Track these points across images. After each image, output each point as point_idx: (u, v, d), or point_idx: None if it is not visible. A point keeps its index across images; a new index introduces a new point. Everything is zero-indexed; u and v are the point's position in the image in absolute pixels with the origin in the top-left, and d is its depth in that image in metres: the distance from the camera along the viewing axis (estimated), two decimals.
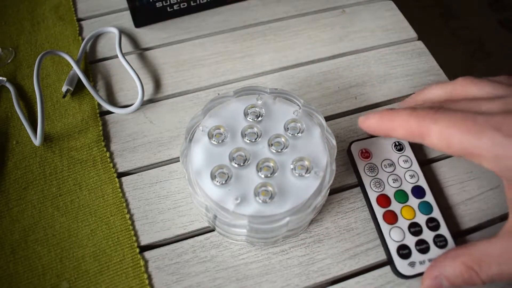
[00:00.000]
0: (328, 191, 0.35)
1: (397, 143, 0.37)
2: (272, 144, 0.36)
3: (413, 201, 0.36)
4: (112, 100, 0.47)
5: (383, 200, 0.36)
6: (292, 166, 0.35)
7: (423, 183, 0.37)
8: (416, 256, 0.35)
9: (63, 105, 0.46)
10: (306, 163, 0.35)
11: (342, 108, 0.46)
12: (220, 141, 0.36)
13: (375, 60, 0.51)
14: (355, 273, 0.37)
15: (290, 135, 0.36)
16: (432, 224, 0.35)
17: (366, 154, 0.37)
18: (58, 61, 0.50)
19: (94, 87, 0.48)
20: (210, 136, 0.36)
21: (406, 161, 0.37)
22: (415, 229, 0.35)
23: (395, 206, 0.35)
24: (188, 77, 0.49)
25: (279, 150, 0.35)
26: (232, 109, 0.38)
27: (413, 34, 0.53)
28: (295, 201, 0.33)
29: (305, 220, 0.36)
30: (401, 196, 0.36)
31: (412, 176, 0.36)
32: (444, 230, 0.35)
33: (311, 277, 0.36)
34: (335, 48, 0.52)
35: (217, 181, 0.34)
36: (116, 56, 0.50)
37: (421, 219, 0.35)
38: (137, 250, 0.37)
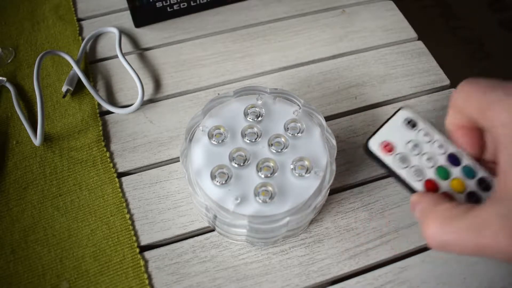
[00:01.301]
0: (328, 191, 0.35)
1: (408, 120, 0.33)
2: (272, 144, 0.36)
3: (456, 171, 0.32)
4: (112, 100, 0.47)
5: (431, 185, 0.32)
6: (292, 166, 0.35)
7: (452, 148, 0.33)
8: None
9: (63, 105, 0.46)
10: (306, 163, 0.35)
11: (342, 108, 0.46)
12: (220, 141, 0.36)
13: (375, 60, 0.51)
14: (355, 273, 0.37)
15: (290, 135, 0.36)
16: (484, 185, 0.32)
17: (388, 146, 0.32)
18: (58, 61, 0.50)
19: (94, 87, 0.48)
20: (210, 136, 0.36)
21: (426, 134, 0.33)
22: (473, 198, 0.32)
23: (444, 185, 0.32)
24: (188, 77, 0.49)
25: (279, 150, 0.35)
26: (232, 109, 0.38)
27: (413, 34, 0.53)
28: (295, 201, 0.33)
29: (305, 220, 0.36)
30: (443, 172, 0.32)
31: (440, 146, 0.33)
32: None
33: (311, 277, 0.36)
34: (335, 48, 0.52)
35: (217, 181, 0.34)
36: (116, 56, 0.50)
37: (472, 185, 0.32)
38: (137, 250, 0.37)
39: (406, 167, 0.32)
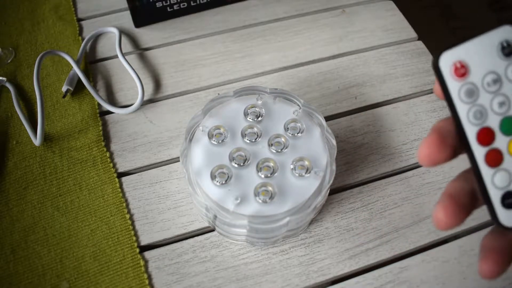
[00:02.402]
0: (328, 191, 0.35)
1: (505, 44, 0.26)
2: (272, 144, 0.36)
3: None
4: (112, 100, 0.47)
5: (486, 135, 0.26)
6: (292, 166, 0.35)
7: None
8: None
9: (63, 105, 0.46)
10: (306, 163, 0.35)
11: (342, 108, 0.46)
12: (220, 141, 0.36)
13: (375, 60, 0.51)
14: (355, 273, 0.37)
15: (290, 135, 0.36)
16: None
17: (462, 69, 0.26)
18: (58, 61, 0.50)
19: (94, 87, 0.48)
20: (210, 136, 0.36)
21: None
22: None
23: (501, 140, 0.26)
24: (188, 77, 0.49)
25: (279, 150, 0.35)
26: (232, 109, 0.38)
27: (413, 34, 0.53)
28: (295, 201, 0.33)
29: (305, 220, 0.36)
30: (510, 125, 0.26)
31: None
32: None
33: (311, 277, 0.36)
34: (335, 48, 0.52)
35: (217, 181, 0.34)
36: (116, 56, 0.50)
37: None
38: (137, 250, 0.37)
39: (470, 103, 0.26)
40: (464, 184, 0.26)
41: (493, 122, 0.26)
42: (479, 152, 0.26)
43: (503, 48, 0.25)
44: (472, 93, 0.25)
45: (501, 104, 0.26)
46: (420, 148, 0.25)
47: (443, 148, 0.25)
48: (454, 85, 0.25)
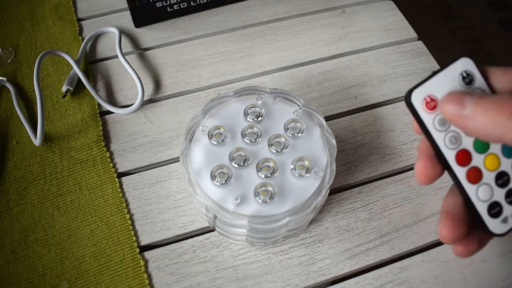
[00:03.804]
0: (328, 191, 0.35)
1: (464, 74, 0.28)
2: (272, 144, 0.36)
3: (495, 146, 0.29)
4: (112, 100, 0.47)
5: (463, 156, 0.29)
6: (292, 166, 0.35)
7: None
8: (507, 209, 0.30)
9: (63, 105, 0.46)
10: (306, 163, 0.35)
11: (342, 108, 0.46)
12: (220, 141, 0.36)
13: (375, 60, 0.51)
14: (355, 273, 0.37)
15: (290, 135, 0.36)
16: None
17: (432, 103, 0.28)
18: (58, 61, 0.50)
19: (94, 87, 0.48)
20: (210, 136, 0.36)
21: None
22: (502, 179, 0.30)
23: (477, 159, 0.29)
24: (188, 77, 0.49)
25: (279, 150, 0.35)
26: (232, 109, 0.38)
27: (413, 34, 0.53)
28: (295, 201, 0.33)
29: (305, 220, 0.36)
30: (481, 144, 0.29)
31: None
32: None
33: (311, 277, 0.36)
34: (335, 48, 0.52)
35: (217, 181, 0.34)
36: (116, 56, 0.50)
37: (507, 164, 0.30)
38: (137, 250, 0.37)
39: (444, 131, 0.28)
40: (456, 198, 0.29)
41: (468, 144, 0.29)
42: (460, 172, 0.29)
43: (463, 78, 0.28)
44: (445, 122, 0.28)
45: None
46: (416, 171, 0.28)
47: (435, 166, 0.28)
48: (427, 118, 0.28)
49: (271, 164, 0.35)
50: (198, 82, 0.48)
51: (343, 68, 0.50)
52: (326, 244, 0.38)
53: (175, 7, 0.53)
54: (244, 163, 0.35)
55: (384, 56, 0.51)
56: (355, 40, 0.52)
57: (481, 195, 0.29)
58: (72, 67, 0.48)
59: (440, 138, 0.28)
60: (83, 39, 0.52)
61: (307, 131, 0.37)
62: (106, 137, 0.44)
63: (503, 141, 0.25)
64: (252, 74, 0.49)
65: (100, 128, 0.44)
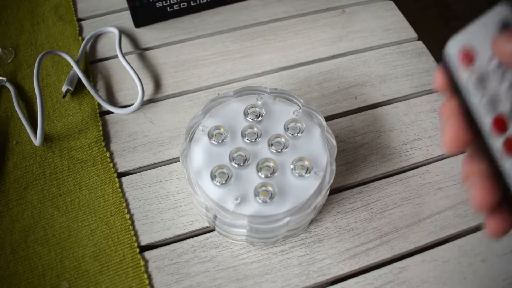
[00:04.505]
0: (328, 191, 0.35)
1: (504, 23, 0.23)
2: (272, 144, 0.36)
3: None
4: (112, 100, 0.47)
5: (500, 123, 0.23)
6: (292, 166, 0.35)
7: None
8: None
9: (63, 105, 0.46)
10: (306, 163, 0.35)
11: (342, 108, 0.46)
12: (220, 141, 0.36)
13: (375, 60, 0.51)
14: (355, 273, 0.37)
15: (290, 135, 0.36)
16: None
17: (468, 56, 0.23)
18: (58, 61, 0.50)
19: (94, 87, 0.48)
20: (210, 136, 0.36)
21: None
22: None
23: None
24: (188, 77, 0.49)
25: (279, 150, 0.35)
26: (232, 109, 0.38)
27: (413, 34, 0.53)
28: (295, 201, 0.33)
29: (305, 220, 0.36)
30: None
31: None
32: None
33: (311, 277, 0.36)
34: (335, 48, 0.52)
35: (217, 181, 0.34)
36: (116, 56, 0.50)
37: None
38: (137, 250, 0.37)
39: (482, 93, 0.23)
40: (481, 163, 0.23)
41: (506, 107, 0.23)
42: (496, 141, 0.23)
43: (503, 27, 0.23)
44: (482, 81, 0.23)
45: (510, 87, 0.23)
46: (446, 135, 0.23)
47: (467, 129, 0.23)
48: (462, 74, 0.23)
49: (271, 164, 0.35)
50: (198, 82, 0.48)
51: (343, 68, 0.50)
52: (326, 244, 0.38)
53: (175, 7, 0.53)
54: (244, 163, 0.35)
55: (384, 56, 0.51)
56: (355, 40, 0.52)
57: None
58: (72, 67, 0.48)
59: (475, 101, 0.23)
60: (83, 39, 0.52)
61: (307, 131, 0.37)
62: (106, 137, 0.44)
63: None
64: (252, 74, 0.49)
65: (100, 128, 0.44)
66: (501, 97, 0.23)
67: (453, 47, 0.24)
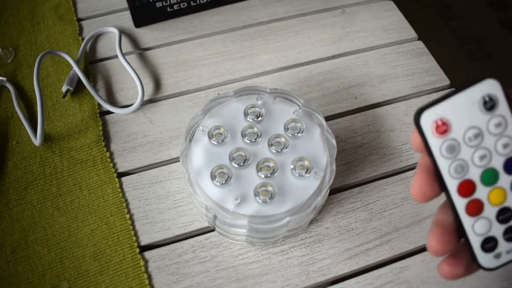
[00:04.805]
0: (328, 191, 0.35)
1: (487, 98, 0.25)
2: (272, 144, 0.36)
3: (505, 180, 0.27)
4: (112, 100, 0.47)
5: (467, 187, 0.27)
6: (292, 166, 0.35)
7: None
8: (503, 246, 0.28)
9: (63, 105, 0.46)
10: (306, 163, 0.35)
11: (342, 108, 0.46)
12: (220, 141, 0.36)
13: (375, 60, 0.51)
14: (355, 273, 0.37)
15: (290, 135, 0.36)
16: None
17: (443, 126, 0.26)
18: (58, 61, 0.50)
19: (94, 87, 0.48)
20: (210, 136, 0.36)
21: (499, 124, 0.26)
22: (504, 215, 0.27)
23: (481, 191, 0.27)
24: (188, 77, 0.49)
25: (279, 150, 0.35)
26: (232, 109, 0.38)
27: (413, 34, 0.53)
28: (295, 201, 0.33)
29: (305, 220, 0.36)
30: (490, 176, 0.27)
31: (505, 146, 0.26)
32: None
33: (311, 277, 0.36)
34: (335, 48, 0.52)
35: (217, 181, 0.34)
36: (116, 56, 0.50)
37: None
38: (137, 250, 0.37)
39: (451, 158, 0.26)
40: (450, 212, 0.27)
41: (474, 175, 0.26)
42: (460, 202, 0.27)
43: (485, 103, 0.25)
44: (453, 149, 0.26)
45: (482, 157, 0.26)
46: (412, 187, 0.26)
47: (433, 184, 0.26)
48: (434, 142, 0.26)
49: (271, 164, 0.35)
50: (198, 82, 0.48)
51: (343, 68, 0.50)
52: (326, 244, 0.38)
53: (175, 7, 0.53)
54: (244, 163, 0.35)
55: (384, 56, 0.51)
56: (355, 40, 0.52)
57: (477, 229, 0.28)
58: (72, 67, 0.48)
59: (445, 166, 0.26)
60: (83, 39, 0.52)
61: (307, 131, 0.37)
62: (106, 137, 0.44)
63: None
64: (252, 74, 0.49)
65: (100, 128, 0.44)
66: (470, 166, 0.26)
67: (429, 117, 0.25)
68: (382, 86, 0.48)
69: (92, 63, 0.50)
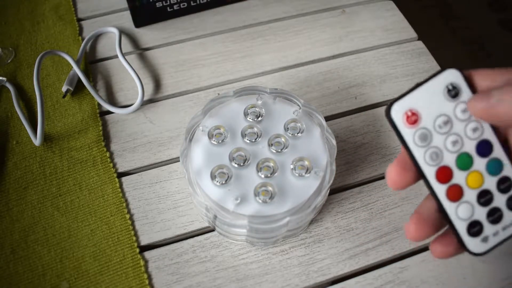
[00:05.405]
0: (328, 191, 0.35)
1: (450, 87, 0.27)
2: (272, 144, 0.36)
3: (480, 163, 0.28)
4: (112, 100, 0.47)
5: (444, 173, 0.28)
6: (292, 166, 0.35)
7: (488, 134, 0.28)
8: (488, 229, 0.29)
9: (63, 105, 0.46)
10: (306, 163, 0.35)
11: (342, 108, 0.46)
12: (220, 141, 0.36)
13: (375, 60, 0.51)
14: (355, 273, 0.37)
15: (290, 135, 0.36)
16: (504, 185, 0.29)
17: (413, 117, 0.27)
18: (58, 61, 0.50)
19: (94, 87, 0.48)
20: (210, 136, 0.36)
21: (465, 110, 0.28)
22: (485, 198, 0.29)
23: (459, 176, 0.28)
24: (188, 77, 0.49)
25: (279, 150, 0.35)
26: (232, 109, 0.38)
27: (413, 34, 0.53)
28: (295, 201, 0.33)
29: (305, 220, 0.36)
30: (465, 161, 0.28)
31: (475, 130, 0.28)
32: None
33: (311, 277, 0.36)
34: (335, 48, 0.52)
35: (217, 181, 0.34)
36: (116, 56, 0.50)
37: (491, 183, 0.29)
38: (137, 250, 0.37)
39: (424, 146, 0.28)
40: (432, 203, 0.29)
41: (449, 161, 0.28)
42: (440, 189, 0.28)
43: (449, 91, 0.27)
44: (425, 137, 0.27)
45: (454, 143, 0.28)
46: (386, 175, 0.28)
47: (405, 175, 0.28)
48: (407, 133, 0.27)
49: (271, 164, 0.35)
50: (198, 82, 0.48)
51: (343, 68, 0.50)
52: (326, 244, 0.38)
53: (175, 7, 0.53)
54: (244, 163, 0.35)
55: (384, 56, 0.51)
56: (355, 40, 0.52)
57: (461, 214, 0.29)
58: (72, 67, 0.48)
59: (420, 154, 0.28)
60: (83, 39, 0.52)
61: (307, 131, 0.37)
62: (106, 137, 0.44)
63: None
64: (252, 74, 0.49)
65: (100, 128, 0.44)
66: (444, 152, 0.27)
67: (398, 109, 0.27)
68: (382, 86, 0.48)
69: (92, 63, 0.50)
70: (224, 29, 0.53)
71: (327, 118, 0.46)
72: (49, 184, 0.41)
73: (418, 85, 0.27)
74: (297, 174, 0.34)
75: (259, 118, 0.37)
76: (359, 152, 0.43)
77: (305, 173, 0.34)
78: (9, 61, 0.50)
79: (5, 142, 0.43)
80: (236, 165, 0.34)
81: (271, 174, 0.34)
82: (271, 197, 0.33)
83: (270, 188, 0.34)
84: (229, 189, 0.34)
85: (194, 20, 0.54)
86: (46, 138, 0.44)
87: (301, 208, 0.34)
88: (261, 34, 0.53)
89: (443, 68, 0.27)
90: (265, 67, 0.50)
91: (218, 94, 0.47)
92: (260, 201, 0.33)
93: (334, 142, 0.36)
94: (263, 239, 0.36)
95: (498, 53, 1.36)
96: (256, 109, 0.37)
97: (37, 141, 0.42)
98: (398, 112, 0.27)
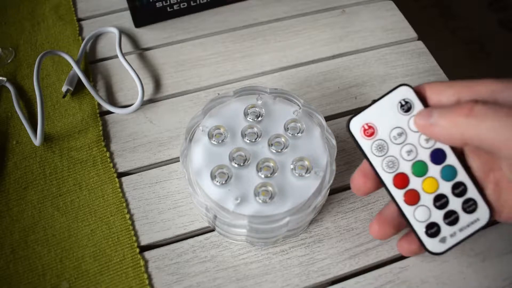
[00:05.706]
0: (328, 191, 0.35)
1: (403, 102, 0.30)
2: (272, 144, 0.36)
3: (434, 170, 0.31)
4: (112, 100, 0.47)
5: (400, 179, 0.31)
6: (292, 166, 0.35)
7: (440, 144, 0.31)
8: (445, 230, 0.31)
9: (63, 105, 0.46)
10: (306, 163, 0.35)
11: (342, 108, 0.46)
12: (220, 141, 0.36)
13: (375, 60, 0.51)
14: (355, 273, 0.37)
15: (290, 135, 0.36)
16: (459, 190, 0.31)
17: (369, 130, 0.30)
18: (58, 61, 0.50)
19: (94, 87, 0.48)
20: (210, 136, 0.36)
21: None
22: (440, 201, 0.31)
23: (415, 182, 0.31)
24: (188, 77, 0.49)
25: (279, 150, 0.35)
26: (232, 109, 0.38)
27: (413, 34, 0.53)
28: (295, 201, 0.33)
29: (305, 220, 0.36)
30: (420, 168, 0.31)
31: (428, 140, 0.30)
32: (472, 192, 0.31)
33: (311, 277, 0.36)
34: (335, 48, 0.52)
35: (217, 181, 0.34)
36: (116, 56, 0.50)
37: (446, 187, 0.31)
38: (137, 250, 0.37)
39: (381, 156, 0.31)
40: (394, 206, 0.32)
41: (405, 168, 0.31)
42: (398, 194, 0.31)
43: (402, 106, 0.30)
44: (382, 148, 0.30)
45: (409, 152, 0.31)
46: (350, 183, 0.32)
47: (367, 182, 0.31)
48: (365, 144, 0.31)
49: (271, 164, 0.35)
50: (198, 82, 0.48)
51: (343, 68, 0.50)
52: (326, 244, 0.38)
53: (175, 7, 0.53)
54: (244, 163, 0.35)
55: (384, 56, 0.51)
56: (355, 40, 0.52)
57: (418, 216, 0.31)
58: (72, 67, 0.48)
59: (377, 162, 0.31)
60: (83, 39, 0.52)
61: (307, 131, 0.37)
62: (106, 137, 0.44)
63: (463, 140, 0.27)
64: (252, 74, 0.49)
65: (100, 128, 0.44)
66: (400, 160, 0.31)
67: (356, 123, 0.30)
68: (382, 86, 0.48)
69: (92, 63, 0.50)
70: (224, 29, 0.53)
71: (327, 118, 0.46)
72: (49, 184, 0.41)
73: (374, 101, 0.30)
74: (297, 174, 0.34)
75: (259, 118, 0.37)
76: (359, 152, 0.43)
77: (305, 173, 0.34)
78: (9, 61, 0.50)
79: (5, 142, 0.43)
80: (236, 165, 0.34)
81: (271, 174, 0.34)
82: (271, 197, 0.33)
83: (270, 188, 0.34)
84: (229, 189, 0.34)
85: (194, 20, 0.54)
86: (46, 138, 0.44)
87: (301, 208, 0.34)
88: (261, 34, 0.53)
89: (396, 86, 0.30)
90: (265, 67, 0.50)
91: (218, 94, 0.47)
92: (260, 201, 0.33)
93: (334, 142, 0.36)
94: (263, 239, 0.36)
95: (498, 53, 1.36)
96: (256, 109, 0.37)
97: (37, 141, 0.42)
98: (356, 126, 0.30)
